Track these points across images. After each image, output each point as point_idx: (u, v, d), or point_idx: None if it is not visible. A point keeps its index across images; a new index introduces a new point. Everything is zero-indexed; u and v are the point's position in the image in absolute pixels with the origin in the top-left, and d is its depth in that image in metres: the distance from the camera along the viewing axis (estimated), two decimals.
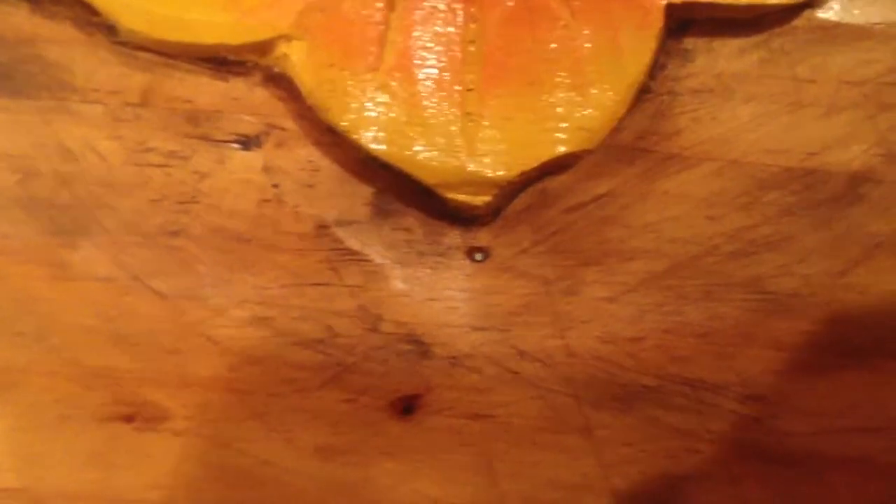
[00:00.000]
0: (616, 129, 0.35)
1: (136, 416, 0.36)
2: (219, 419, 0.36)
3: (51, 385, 0.36)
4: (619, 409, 0.36)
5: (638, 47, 0.33)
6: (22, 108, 0.34)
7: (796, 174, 0.35)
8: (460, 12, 0.33)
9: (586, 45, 0.33)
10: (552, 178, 0.35)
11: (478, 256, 0.36)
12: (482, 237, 0.36)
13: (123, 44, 0.34)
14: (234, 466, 0.37)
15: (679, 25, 0.34)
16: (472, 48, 0.33)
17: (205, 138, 0.35)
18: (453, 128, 0.33)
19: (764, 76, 0.34)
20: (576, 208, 0.36)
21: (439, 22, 0.33)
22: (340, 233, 0.36)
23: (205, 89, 0.35)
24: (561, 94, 0.33)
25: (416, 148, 0.33)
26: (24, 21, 0.34)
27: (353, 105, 0.33)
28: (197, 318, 0.35)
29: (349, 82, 0.33)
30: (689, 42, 0.34)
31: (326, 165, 0.35)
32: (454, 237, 0.36)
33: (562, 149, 0.33)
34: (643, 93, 0.34)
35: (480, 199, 0.34)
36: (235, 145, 0.35)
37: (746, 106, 0.34)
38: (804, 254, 0.35)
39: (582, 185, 0.36)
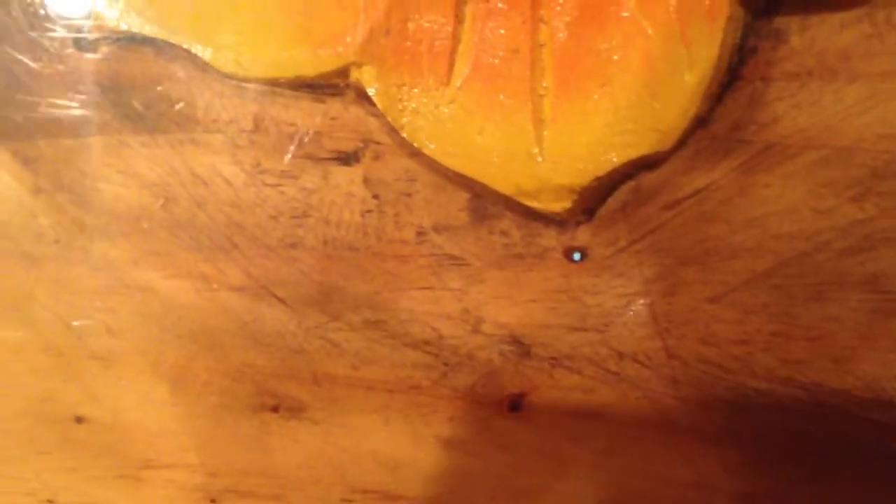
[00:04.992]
0: (708, 121, 0.39)
1: (280, 406, 0.50)
2: (348, 411, 0.48)
3: (209, 379, 0.50)
4: (730, 412, 0.42)
5: (706, 38, 0.37)
6: (158, 143, 0.47)
7: None
8: (529, 15, 0.41)
9: (655, 39, 0.38)
10: (646, 174, 0.41)
11: (575, 256, 0.44)
12: (579, 237, 0.44)
13: (232, 77, 0.46)
14: (370, 452, 0.50)
15: (768, 4, 0.38)
16: (542, 51, 0.41)
17: (309, 157, 0.45)
18: (526, 136, 0.41)
19: (870, 53, 0.36)
20: (673, 205, 0.41)
21: (508, 28, 0.40)
22: (439, 238, 0.45)
23: (306, 112, 0.44)
24: (632, 95, 0.38)
25: (491, 158, 0.41)
26: (150, 65, 0.46)
27: (424, 122, 0.41)
28: (316, 322, 0.47)
29: (422, 99, 0.42)
30: (782, 21, 0.37)
31: (422, 174, 0.44)
32: (551, 238, 0.44)
33: (635, 152, 0.39)
34: (734, 80, 0.39)
35: (560, 206, 0.41)
36: (336, 162, 0.46)
37: (852, 87, 0.37)
38: None
39: (678, 181, 0.41)
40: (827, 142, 0.38)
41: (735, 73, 0.39)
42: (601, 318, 0.43)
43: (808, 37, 0.38)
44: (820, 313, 0.40)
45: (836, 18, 0.37)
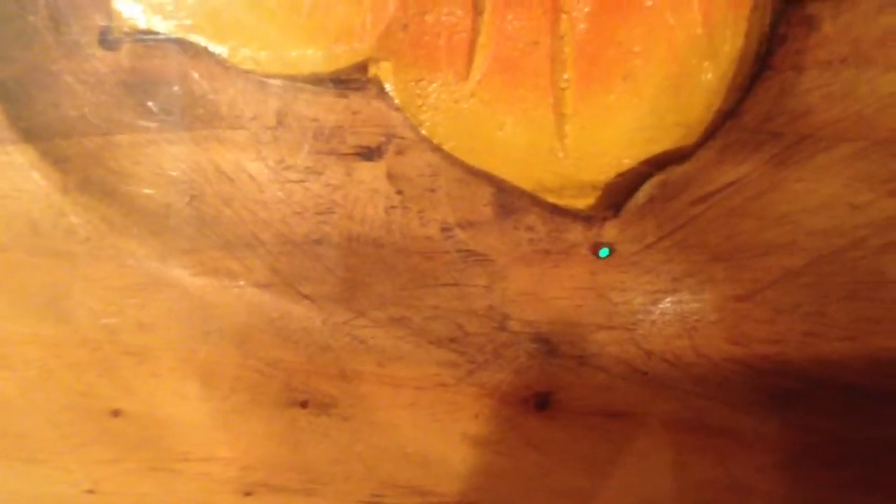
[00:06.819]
0: (737, 113, 0.39)
1: (310, 402, 0.50)
2: (377, 408, 0.49)
3: (239, 374, 0.51)
4: (763, 413, 0.41)
5: (730, 28, 0.36)
6: (183, 139, 0.48)
7: None
8: (549, 5, 0.40)
9: (677, 30, 0.37)
10: (674, 168, 0.40)
11: (602, 252, 0.43)
12: (606, 232, 0.43)
13: (252, 73, 0.46)
14: (399, 449, 0.50)
15: None
16: (563, 42, 0.40)
17: (333, 153, 0.45)
18: (548, 130, 0.40)
19: None
20: (702, 199, 0.40)
21: (528, 19, 0.39)
22: (464, 234, 0.45)
23: (328, 107, 0.44)
24: (655, 88, 0.37)
25: (512, 154, 0.41)
26: (173, 62, 0.47)
27: (444, 117, 0.41)
28: (342, 319, 0.47)
29: (441, 95, 0.41)
30: (814, 7, 0.36)
31: (446, 169, 0.44)
32: (577, 233, 0.43)
33: (658, 147, 0.38)
34: (763, 70, 0.37)
35: (583, 202, 0.40)
36: (360, 157, 0.46)
37: (889, 75, 0.35)
38: None
39: (706, 175, 0.40)
40: (862, 134, 0.37)
41: (765, 63, 0.37)
42: (629, 315, 0.42)
43: (842, 23, 0.36)
44: (855, 313, 0.38)
45: (871, 3, 0.36)
